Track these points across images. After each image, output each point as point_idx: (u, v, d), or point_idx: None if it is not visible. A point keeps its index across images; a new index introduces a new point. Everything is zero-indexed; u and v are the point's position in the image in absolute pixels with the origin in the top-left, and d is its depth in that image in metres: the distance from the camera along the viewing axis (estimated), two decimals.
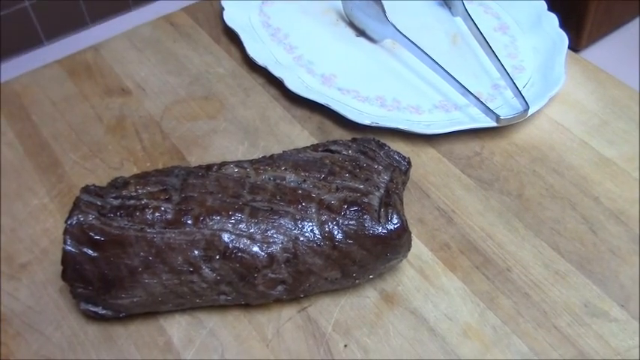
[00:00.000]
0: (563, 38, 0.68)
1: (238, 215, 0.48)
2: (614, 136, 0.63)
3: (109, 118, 0.68)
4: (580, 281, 0.52)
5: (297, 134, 0.65)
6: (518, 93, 0.63)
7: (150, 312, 0.51)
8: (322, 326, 0.51)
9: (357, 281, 0.51)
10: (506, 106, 0.64)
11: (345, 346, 0.49)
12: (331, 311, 0.51)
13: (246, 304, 0.51)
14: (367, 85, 0.68)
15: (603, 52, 0.81)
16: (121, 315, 0.50)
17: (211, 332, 0.51)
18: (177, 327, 0.51)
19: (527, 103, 0.61)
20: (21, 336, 0.51)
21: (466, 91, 0.63)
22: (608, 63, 0.71)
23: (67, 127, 0.67)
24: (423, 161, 0.61)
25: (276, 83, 0.69)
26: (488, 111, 0.61)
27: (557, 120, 0.65)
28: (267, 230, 0.48)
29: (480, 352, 0.49)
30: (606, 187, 0.59)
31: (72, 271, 0.48)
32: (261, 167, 0.52)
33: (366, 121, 0.62)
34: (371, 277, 0.51)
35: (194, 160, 0.63)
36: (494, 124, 0.61)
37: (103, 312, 0.50)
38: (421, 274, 0.53)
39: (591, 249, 0.54)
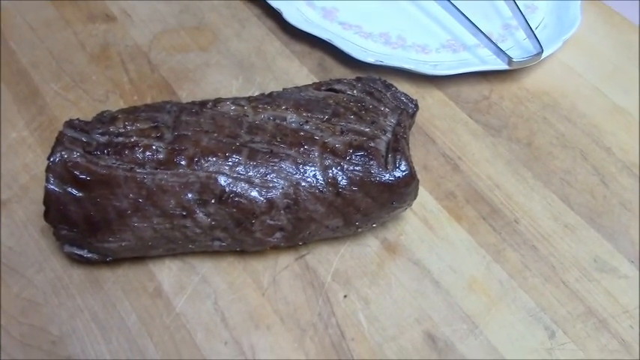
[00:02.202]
0: None
1: (236, 157, 0.45)
2: (629, 83, 0.60)
3: (92, 46, 0.63)
4: (590, 235, 0.50)
5: (296, 71, 0.61)
6: (532, 34, 0.59)
7: (138, 256, 0.48)
8: (321, 275, 0.48)
9: (359, 230, 0.48)
10: (517, 47, 0.61)
11: (345, 296, 0.47)
12: (330, 260, 0.49)
13: (241, 250, 0.48)
14: (371, 21, 0.63)
15: None
16: (107, 259, 0.47)
17: (204, 279, 0.48)
18: (167, 272, 0.48)
19: (540, 46, 0.58)
20: (0, 278, 0.48)
21: (476, 29, 0.59)
22: (622, 5, 0.68)
23: (47, 55, 0.62)
24: (429, 104, 0.58)
25: (273, 15, 0.65)
26: (499, 52, 0.58)
27: (570, 65, 0.61)
28: (267, 174, 0.44)
29: (486, 306, 0.47)
30: (619, 138, 0.56)
31: (55, 212, 0.44)
32: (260, 106, 0.48)
33: (370, 59, 0.58)
34: (374, 225, 0.48)
35: (185, 95, 0.59)
36: (505, 66, 0.58)
37: (89, 255, 0.47)
38: (425, 224, 0.51)
39: (602, 202, 0.52)
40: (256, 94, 0.58)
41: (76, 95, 0.59)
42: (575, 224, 0.51)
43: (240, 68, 0.61)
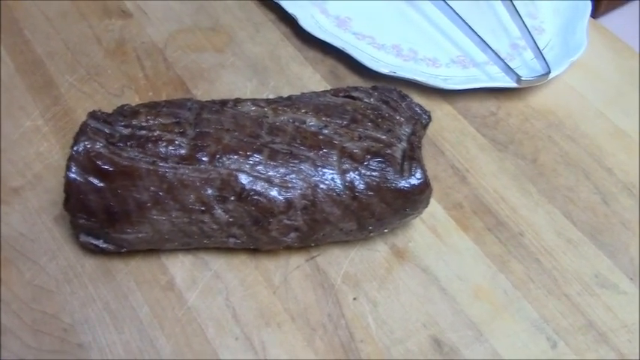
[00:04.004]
0: (587, 2, 0.66)
1: (257, 156, 0.46)
2: (630, 107, 0.62)
3: (108, 41, 0.63)
4: (591, 251, 0.52)
5: (309, 77, 0.62)
6: (540, 54, 0.61)
7: (152, 249, 0.49)
8: (331, 277, 0.49)
9: (370, 234, 0.49)
10: (524, 67, 0.63)
11: (354, 298, 0.48)
12: (340, 262, 0.50)
13: (254, 249, 0.49)
14: (383, 33, 0.65)
15: (620, 20, 0.79)
16: (122, 250, 0.48)
17: (216, 274, 0.49)
18: (180, 266, 0.49)
19: (548, 66, 0.60)
20: (12, 263, 0.48)
21: (487, 47, 0.61)
22: (624, 32, 0.70)
23: (62, 46, 0.62)
24: (438, 117, 0.60)
25: (287, 20, 0.66)
26: (508, 70, 0.60)
27: (574, 86, 0.63)
28: (287, 174, 0.45)
29: (490, 314, 0.48)
30: (620, 159, 0.58)
31: (75, 201, 0.45)
32: (280, 108, 0.49)
33: (384, 70, 0.60)
34: (385, 231, 0.50)
35: (200, 94, 0.60)
36: (513, 84, 0.60)
37: (104, 245, 0.47)
38: (433, 232, 0.52)
39: (603, 220, 0.54)
40: (270, 97, 0.59)
41: (92, 88, 0.59)
42: (578, 240, 0.52)
43: (254, 71, 0.62)
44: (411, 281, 0.49)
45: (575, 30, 0.65)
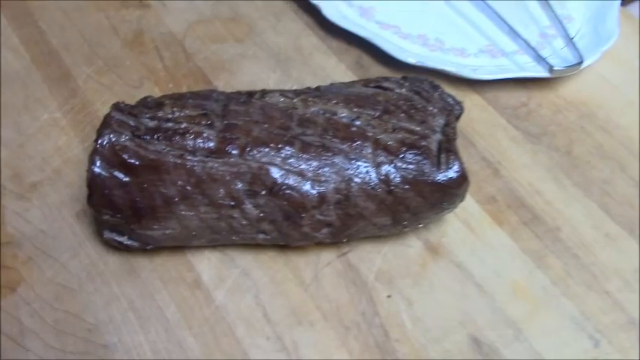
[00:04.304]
0: None
1: (288, 149, 0.44)
2: None
3: (125, 32, 0.62)
4: (630, 246, 0.50)
5: (333, 67, 0.60)
6: (571, 43, 0.59)
7: (177, 246, 0.47)
8: (363, 274, 0.47)
9: (404, 229, 0.47)
10: (555, 56, 0.61)
11: (389, 296, 0.46)
12: (373, 259, 0.48)
13: (283, 245, 0.47)
14: (408, 22, 0.63)
15: None
16: (147, 247, 0.46)
17: (244, 272, 0.47)
18: (206, 264, 0.47)
19: (581, 55, 0.58)
20: (33, 261, 0.47)
21: (517, 35, 0.59)
22: None
23: (78, 38, 0.61)
24: (468, 107, 0.57)
25: (309, 10, 0.64)
26: (540, 60, 0.58)
27: (606, 76, 0.61)
28: (320, 168, 0.44)
29: (529, 312, 0.46)
30: None
31: (99, 196, 0.43)
32: (310, 99, 0.47)
33: (411, 60, 0.58)
34: (420, 226, 0.48)
35: (222, 85, 0.58)
36: (544, 74, 0.58)
37: (129, 242, 0.46)
38: (467, 227, 0.50)
39: None
40: (294, 87, 0.57)
41: (110, 80, 0.58)
42: (616, 234, 0.51)
43: (276, 61, 0.60)
44: (446, 278, 0.48)
45: (606, 18, 0.63)
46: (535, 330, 0.46)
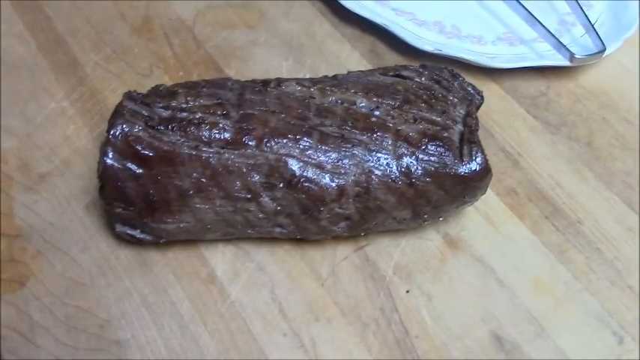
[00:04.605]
0: None
1: (306, 140, 0.42)
2: None
3: (133, 18, 0.60)
4: None
5: (347, 55, 0.59)
6: (593, 31, 0.58)
7: (190, 240, 0.46)
8: (381, 268, 0.46)
9: (425, 223, 0.46)
10: (574, 44, 0.59)
11: (408, 291, 0.45)
12: (391, 253, 0.47)
13: (299, 238, 0.46)
14: (424, 8, 0.61)
15: None
16: (160, 241, 0.45)
17: (259, 266, 0.46)
18: (221, 258, 0.46)
19: (603, 43, 0.56)
20: (42, 255, 0.45)
21: (537, 22, 0.58)
22: None
23: (86, 24, 0.59)
24: (486, 97, 0.55)
25: None
26: (560, 47, 0.56)
27: (626, 65, 0.60)
28: (339, 159, 0.42)
29: (552, 307, 0.45)
30: None
31: (112, 189, 0.42)
32: (327, 88, 0.46)
33: (428, 48, 0.56)
34: (440, 219, 0.47)
35: (233, 73, 0.56)
36: (564, 62, 0.56)
37: (141, 236, 0.44)
38: (487, 220, 0.49)
39: None
40: (307, 76, 0.56)
41: (118, 67, 0.56)
42: (639, 228, 0.49)
43: (289, 49, 0.59)
44: (466, 272, 0.46)
45: (627, 5, 0.61)
46: (557, 326, 0.44)
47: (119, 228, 0.44)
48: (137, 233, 0.44)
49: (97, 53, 0.57)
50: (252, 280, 0.45)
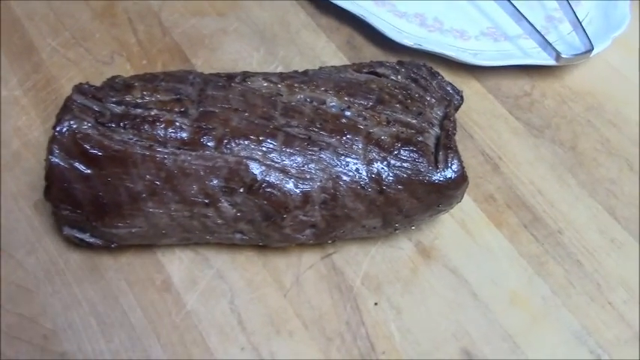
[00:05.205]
0: None
1: (270, 142, 0.39)
2: None
3: (95, 1, 0.56)
4: (637, 253, 0.46)
5: (323, 47, 0.55)
6: (581, 29, 0.55)
7: (145, 244, 0.43)
8: (349, 278, 0.44)
9: (396, 231, 0.43)
10: (561, 42, 0.56)
11: (376, 304, 0.43)
12: (359, 261, 0.44)
13: (262, 245, 0.43)
14: None
15: None
16: (112, 245, 0.42)
17: (219, 274, 0.43)
18: (177, 264, 0.43)
19: (591, 43, 0.54)
20: None
21: (522, 18, 0.55)
22: None
23: (44, 6, 0.55)
24: (467, 96, 0.53)
25: None
26: (546, 46, 0.53)
27: (615, 66, 0.57)
28: (305, 164, 0.39)
29: (527, 324, 0.43)
30: None
31: (58, 190, 0.39)
32: (296, 84, 0.43)
33: (407, 42, 0.53)
34: (412, 228, 0.44)
35: (200, 63, 0.53)
36: (550, 62, 0.53)
37: (91, 240, 0.41)
38: (463, 228, 0.46)
39: None
40: (279, 69, 0.53)
41: (77, 54, 0.53)
42: (622, 240, 0.47)
43: (261, 39, 0.55)
44: (438, 284, 0.44)
45: (617, 4, 0.58)
46: (533, 344, 0.42)
47: (67, 231, 0.41)
48: (86, 237, 0.41)
49: (55, 38, 0.53)
50: (211, 289, 0.42)
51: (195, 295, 0.42)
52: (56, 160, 0.38)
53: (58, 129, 0.38)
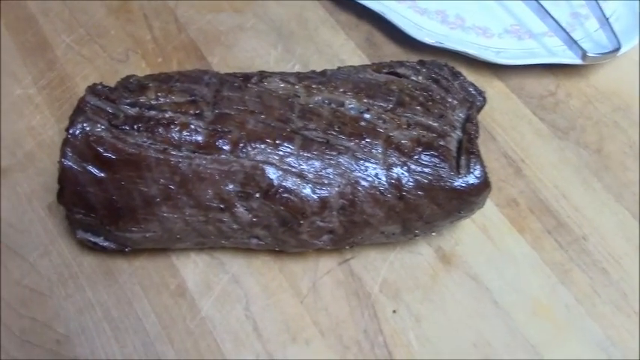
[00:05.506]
0: None
1: (287, 146, 0.38)
2: None
3: None
4: None
5: (341, 44, 0.54)
6: (608, 26, 0.53)
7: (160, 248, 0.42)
8: (367, 285, 0.42)
9: (415, 237, 0.42)
10: (587, 40, 0.55)
11: (394, 311, 0.42)
12: (378, 267, 0.43)
13: (279, 249, 0.42)
14: None
15: None
16: (126, 249, 0.41)
17: (234, 278, 0.42)
18: (192, 268, 0.42)
19: (618, 41, 0.52)
20: None
21: (547, 15, 0.53)
22: None
23: (59, 2, 0.54)
24: (489, 96, 0.51)
25: None
26: (572, 44, 0.52)
27: None
28: (323, 169, 0.38)
29: (550, 334, 0.41)
30: None
31: (71, 193, 0.38)
32: (314, 85, 0.42)
33: (428, 40, 0.52)
34: (433, 234, 0.43)
35: (216, 61, 0.52)
36: (575, 60, 0.52)
37: (105, 244, 0.41)
38: (484, 233, 0.45)
39: None
40: (296, 67, 0.52)
41: (92, 51, 0.52)
42: None
43: (278, 36, 0.54)
44: (459, 292, 0.43)
45: None
46: (556, 354, 0.41)
47: (80, 234, 0.40)
48: (100, 241, 0.40)
49: (70, 34, 0.52)
50: (226, 294, 0.42)
51: (210, 300, 0.41)
52: (69, 163, 0.37)
53: (71, 131, 0.37)
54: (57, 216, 0.43)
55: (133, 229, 0.39)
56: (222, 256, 0.43)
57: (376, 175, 0.39)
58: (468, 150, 0.40)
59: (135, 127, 0.38)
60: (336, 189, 0.38)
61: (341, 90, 0.41)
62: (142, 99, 0.39)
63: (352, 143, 0.39)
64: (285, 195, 0.38)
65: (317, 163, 0.38)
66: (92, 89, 0.39)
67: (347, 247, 0.43)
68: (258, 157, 0.38)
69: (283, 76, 0.42)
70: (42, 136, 0.47)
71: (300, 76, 0.43)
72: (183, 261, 0.42)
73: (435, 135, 0.40)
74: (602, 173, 0.49)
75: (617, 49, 0.51)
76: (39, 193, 0.44)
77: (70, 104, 0.48)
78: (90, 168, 0.37)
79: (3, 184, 0.45)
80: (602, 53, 0.51)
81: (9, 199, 0.44)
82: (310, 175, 0.38)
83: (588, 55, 0.51)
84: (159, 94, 0.39)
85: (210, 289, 0.42)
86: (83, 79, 0.50)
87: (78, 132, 0.37)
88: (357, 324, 0.41)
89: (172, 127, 0.38)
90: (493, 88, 0.53)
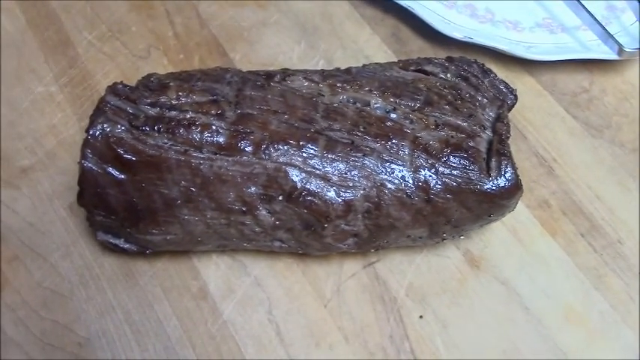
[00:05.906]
0: None
1: (311, 147, 0.37)
2: None
3: None
4: None
5: (366, 39, 0.53)
6: None
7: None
8: (393, 289, 0.41)
9: (443, 241, 0.41)
10: (623, 34, 0.53)
11: (421, 316, 0.40)
12: (404, 271, 0.42)
13: (303, 253, 0.41)
14: None
15: None
16: (147, 252, 0.40)
17: (256, 281, 0.41)
18: (214, 270, 0.42)
19: None
20: (19, 260, 0.41)
21: (582, 7, 0.51)
22: None
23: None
24: (520, 92, 0.49)
25: None
26: (608, 38, 0.50)
27: None
28: (347, 171, 0.37)
29: (583, 341, 0.40)
30: None
31: (91, 195, 0.37)
32: (338, 84, 0.40)
33: (457, 35, 0.50)
34: (461, 237, 0.41)
35: (238, 58, 0.51)
36: (611, 56, 0.50)
37: (126, 246, 0.40)
38: (514, 236, 0.44)
39: None
40: (320, 63, 0.51)
41: (113, 47, 0.51)
42: None
43: (302, 31, 0.53)
44: (487, 296, 0.41)
45: None
46: None
47: (101, 236, 0.40)
48: (121, 242, 0.40)
49: (91, 31, 0.52)
50: (248, 298, 0.41)
51: (232, 303, 0.40)
52: (89, 164, 0.37)
53: (91, 132, 0.37)
54: (78, 216, 0.43)
55: (154, 231, 0.38)
56: (244, 258, 0.42)
57: (403, 177, 0.37)
58: (498, 151, 0.38)
59: (155, 128, 0.37)
60: (362, 192, 0.37)
61: (366, 89, 0.40)
62: (163, 99, 0.38)
63: (378, 144, 0.38)
64: (309, 198, 0.37)
65: (342, 165, 0.37)
66: (112, 89, 0.39)
67: (372, 250, 0.41)
68: (281, 159, 0.37)
69: (307, 74, 0.41)
70: (63, 134, 0.46)
71: (324, 74, 0.42)
72: (205, 263, 0.42)
73: (464, 135, 0.39)
74: (638, 173, 0.47)
75: None
76: (60, 193, 0.44)
77: (92, 102, 0.48)
78: (110, 170, 0.37)
79: (24, 183, 0.44)
80: (639, 48, 0.49)
81: (30, 199, 0.43)
82: (335, 178, 0.37)
83: (625, 49, 0.49)
84: (180, 93, 0.39)
85: (232, 292, 0.41)
86: (104, 77, 0.49)
87: (98, 133, 0.37)
88: (383, 329, 0.40)
89: (193, 128, 0.37)
90: (524, 84, 0.51)
